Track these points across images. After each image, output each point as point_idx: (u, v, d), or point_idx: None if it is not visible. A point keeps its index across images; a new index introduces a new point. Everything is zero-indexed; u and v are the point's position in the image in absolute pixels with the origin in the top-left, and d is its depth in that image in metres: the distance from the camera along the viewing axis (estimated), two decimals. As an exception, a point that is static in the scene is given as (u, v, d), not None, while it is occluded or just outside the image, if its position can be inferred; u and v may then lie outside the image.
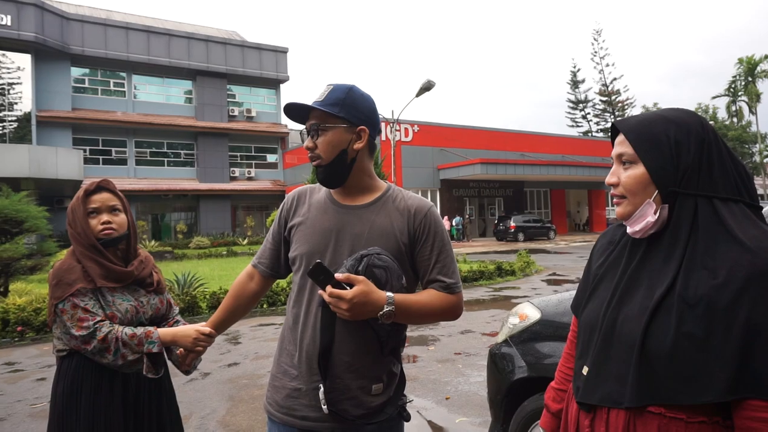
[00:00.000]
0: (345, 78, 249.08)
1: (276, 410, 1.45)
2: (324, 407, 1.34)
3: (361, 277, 1.29)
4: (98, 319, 1.68)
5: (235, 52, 32.13)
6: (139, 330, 1.70)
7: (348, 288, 1.27)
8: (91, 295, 1.73)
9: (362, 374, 1.38)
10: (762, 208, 1.02)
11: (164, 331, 1.72)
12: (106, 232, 1.80)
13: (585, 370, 1.07)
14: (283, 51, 33.91)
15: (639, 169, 1.03)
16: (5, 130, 25.81)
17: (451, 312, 1.46)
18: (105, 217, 1.81)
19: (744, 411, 0.89)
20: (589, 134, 55.02)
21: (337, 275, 1.29)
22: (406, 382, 1.54)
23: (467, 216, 30.64)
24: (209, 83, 31.29)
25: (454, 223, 29.46)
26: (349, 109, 1.42)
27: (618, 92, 54.62)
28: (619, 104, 54.88)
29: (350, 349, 1.37)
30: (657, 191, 1.01)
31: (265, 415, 1.52)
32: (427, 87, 18.17)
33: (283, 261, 1.58)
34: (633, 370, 0.97)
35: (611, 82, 54.69)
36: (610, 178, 1.08)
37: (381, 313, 1.30)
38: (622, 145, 1.06)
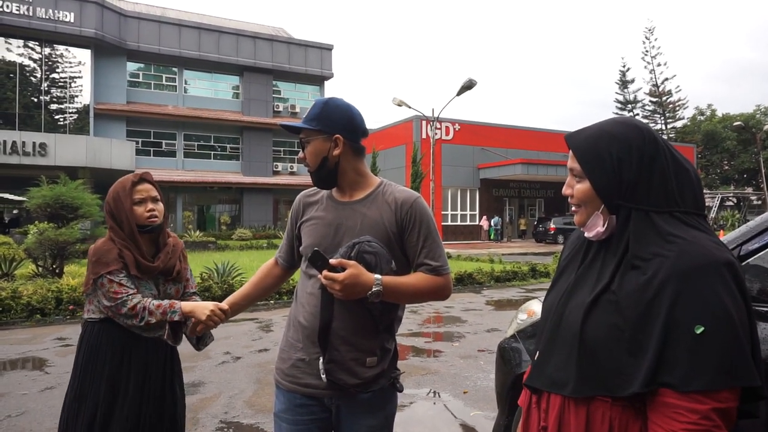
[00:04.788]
0: (387, 76, 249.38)
1: (283, 378, 1.65)
2: (323, 376, 1.53)
3: (351, 262, 1.47)
4: (130, 292, 1.92)
5: (282, 49, 32.81)
6: (165, 302, 1.93)
7: (342, 271, 1.45)
8: (125, 273, 1.97)
9: (357, 348, 1.55)
10: (706, 215, 1.09)
11: (186, 304, 1.94)
12: (152, 219, 2.04)
13: (536, 356, 1.18)
14: (328, 48, 34.39)
15: (586, 184, 1.12)
16: (66, 122, 27.29)
17: (439, 292, 1.63)
18: (150, 205, 2.05)
19: (657, 402, 0.97)
20: (638, 136, 53.16)
21: (331, 260, 1.47)
22: (398, 356, 1.71)
23: (509, 216, 30.31)
24: (256, 79, 32.09)
25: (492, 224, 29.18)
26: (324, 121, 1.61)
27: (669, 93, 52.64)
28: (671, 105, 52.89)
29: (346, 325, 1.55)
30: (603, 204, 1.11)
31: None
32: (468, 86, 18.13)
33: (296, 255, 1.80)
34: (574, 360, 1.06)
35: (662, 83, 52.80)
36: (565, 190, 1.18)
37: (369, 292, 1.47)
38: (572, 160, 1.15)
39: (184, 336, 2.01)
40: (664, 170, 1.06)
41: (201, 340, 2.03)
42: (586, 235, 1.16)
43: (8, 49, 25.84)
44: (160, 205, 2.09)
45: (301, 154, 1.68)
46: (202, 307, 1.90)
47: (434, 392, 4.42)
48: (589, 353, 1.04)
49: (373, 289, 1.47)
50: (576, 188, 1.15)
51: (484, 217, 29.59)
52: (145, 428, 1.99)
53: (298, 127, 1.63)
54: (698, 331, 0.93)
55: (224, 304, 1.89)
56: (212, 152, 31.36)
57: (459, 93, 18.28)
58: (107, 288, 1.92)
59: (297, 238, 1.75)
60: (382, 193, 1.66)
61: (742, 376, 0.92)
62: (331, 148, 1.61)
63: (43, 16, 25.30)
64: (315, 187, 1.77)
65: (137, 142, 27.77)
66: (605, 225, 1.11)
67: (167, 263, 2.09)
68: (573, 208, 1.18)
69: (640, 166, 1.06)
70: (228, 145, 31.78)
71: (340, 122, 1.62)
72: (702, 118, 52.35)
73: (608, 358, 1.01)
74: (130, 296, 1.91)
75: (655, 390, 0.96)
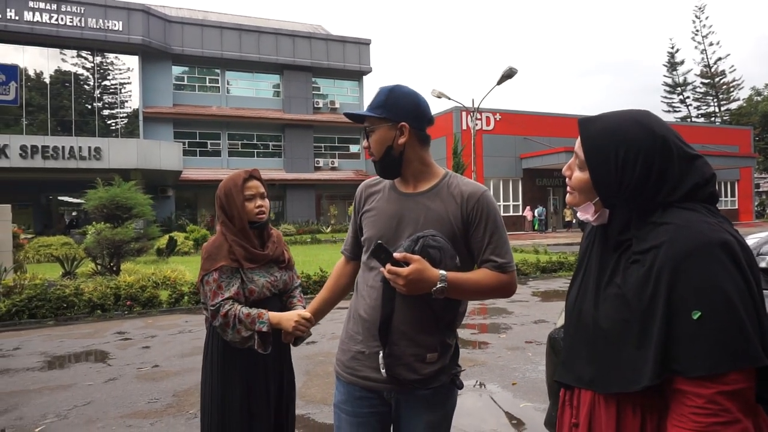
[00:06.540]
0: (426, 67, 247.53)
1: (342, 370, 1.65)
2: (382, 370, 1.52)
3: (416, 256, 1.43)
4: (225, 297, 1.99)
5: (320, 46, 33.11)
6: (253, 311, 1.99)
7: (405, 266, 1.43)
8: (231, 273, 2.03)
9: (417, 343, 1.52)
10: (713, 208, 1.04)
11: (273, 315, 2.00)
12: (260, 215, 2.11)
13: (565, 352, 1.17)
14: (366, 43, 34.45)
15: (586, 175, 1.11)
16: (118, 126, 28.47)
17: (504, 289, 1.57)
18: (259, 201, 2.11)
19: (672, 389, 0.96)
20: (689, 120, 51.05)
21: (395, 254, 1.45)
22: (459, 353, 1.68)
23: (553, 206, 29.66)
24: (295, 77, 32.54)
25: (536, 214, 28.63)
26: (390, 109, 1.57)
27: (723, 73, 50.14)
28: (724, 86, 50.34)
29: (407, 320, 1.52)
30: (598, 197, 1.10)
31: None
32: (509, 74, 17.79)
33: (362, 246, 1.76)
34: (593, 356, 1.06)
35: (715, 63, 50.32)
36: (565, 170, 1.18)
37: (434, 288, 1.44)
38: (579, 148, 1.13)
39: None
40: (666, 175, 1.03)
41: (299, 338, 2.09)
42: (578, 215, 1.16)
43: (63, 60, 27.14)
44: (267, 202, 2.17)
45: (365, 143, 1.64)
46: (288, 318, 1.97)
47: (482, 384, 4.40)
48: (605, 349, 1.04)
49: (438, 286, 1.43)
50: (575, 175, 1.14)
51: (528, 207, 29.05)
52: (277, 421, 2.12)
53: (363, 115, 1.59)
54: (695, 317, 0.92)
55: (307, 313, 1.95)
56: (255, 150, 32.04)
57: (499, 82, 17.97)
58: (209, 287, 2.00)
59: (360, 229, 1.72)
60: (448, 186, 1.61)
61: (745, 357, 0.90)
62: (396, 136, 1.57)
63: (94, 26, 26.42)
64: (378, 177, 1.73)
65: (184, 143, 28.64)
66: (596, 215, 1.11)
67: (275, 251, 2.17)
68: (568, 189, 1.18)
69: (642, 173, 1.03)
70: (270, 143, 32.37)
71: (405, 109, 1.57)
72: (759, 98, 49.58)
73: (622, 353, 1.01)
74: (223, 302, 1.97)
75: (671, 378, 0.95)
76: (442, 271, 1.44)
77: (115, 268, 10.72)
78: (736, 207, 35.06)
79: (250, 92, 32.47)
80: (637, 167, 1.03)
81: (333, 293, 1.88)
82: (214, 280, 2.00)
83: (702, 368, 0.91)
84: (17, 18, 25.10)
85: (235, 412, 2.03)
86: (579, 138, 1.13)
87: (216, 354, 2.07)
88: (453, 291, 1.47)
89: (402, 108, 1.57)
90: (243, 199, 2.07)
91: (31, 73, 26.64)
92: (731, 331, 0.90)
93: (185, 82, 31.00)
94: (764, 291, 1.71)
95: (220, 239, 2.07)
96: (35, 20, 25.45)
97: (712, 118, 51.35)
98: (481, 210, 1.56)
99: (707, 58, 50.78)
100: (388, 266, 1.43)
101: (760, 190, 49.17)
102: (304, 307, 2.11)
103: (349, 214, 29.39)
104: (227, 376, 2.04)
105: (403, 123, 1.57)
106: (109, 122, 28.40)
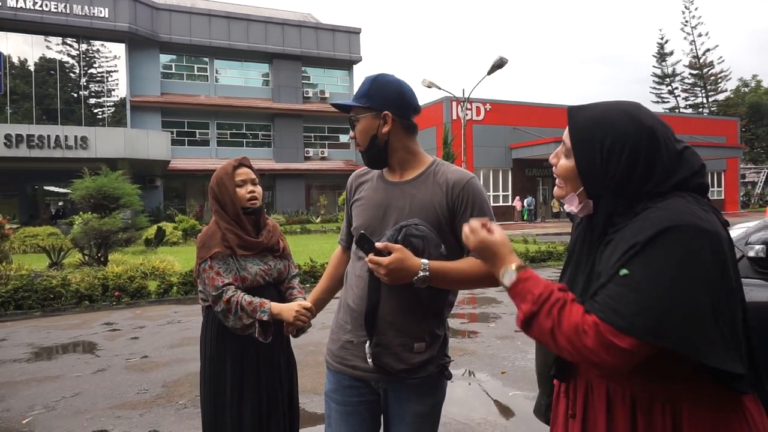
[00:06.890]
0: (417, 57, 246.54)
1: (332, 359, 1.65)
2: (369, 360, 1.52)
3: (397, 246, 1.43)
4: (226, 282, 2.01)
5: (310, 35, 32.83)
6: (255, 299, 2.01)
7: (387, 255, 1.42)
8: (226, 259, 2.06)
9: (404, 333, 1.52)
10: (700, 198, 1.05)
11: (275, 305, 2.02)
12: (252, 201, 2.12)
13: None
14: (356, 32, 34.20)
15: (572, 163, 1.11)
16: (105, 115, 28.10)
17: (492, 279, 1.50)
18: (250, 187, 2.12)
19: None
20: (677, 110, 51.38)
21: (377, 244, 1.44)
22: (448, 343, 1.67)
23: (542, 196, 29.80)
24: (285, 66, 32.26)
25: (525, 204, 28.76)
26: (373, 98, 1.56)
27: (711, 64, 50.45)
28: (712, 77, 50.67)
29: (393, 309, 1.51)
30: (583, 187, 1.10)
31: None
32: (499, 64, 17.77)
33: None
34: None
35: (704, 54, 50.59)
36: (552, 158, 1.18)
37: (415, 278, 1.43)
38: (566, 136, 1.13)
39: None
40: (653, 166, 1.03)
41: (300, 329, 2.09)
42: (564, 207, 1.18)
43: (48, 47, 26.69)
44: (259, 188, 2.17)
45: (351, 134, 1.63)
46: (288, 309, 1.99)
47: (471, 373, 4.44)
48: None
49: (419, 275, 1.42)
50: (561, 163, 1.14)
51: (517, 197, 29.18)
52: (269, 408, 2.12)
53: (348, 105, 1.59)
54: (621, 273, 0.94)
55: (308, 303, 1.95)
56: (244, 140, 31.83)
57: (490, 72, 17.96)
58: (206, 274, 2.03)
59: (351, 218, 1.73)
60: (434, 174, 1.59)
61: (642, 332, 0.91)
62: (380, 125, 1.56)
63: (79, 13, 25.97)
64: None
65: (172, 133, 28.36)
66: (580, 205, 1.12)
67: (270, 240, 2.18)
68: (556, 181, 1.18)
69: (628, 163, 1.03)
70: (259, 133, 32.16)
71: (389, 98, 1.56)
72: (746, 89, 50.04)
73: None
74: (225, 287, 1.99)
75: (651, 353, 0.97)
76: (424, 260, 1.43)
77: (102, 259, 10.62)
78: (723, 197, 35.45)
79: (239, 81, 32.17)
80: (623, 157, 1.03)
81: (332, 281, 1.89)
82: (210, 267, 2.03)
83: (596, 312, 0.95)
84: (0, 4, 24.59)
85: (227, 397, 2.08)
86: (567, 126, 1.13)
87: (211, 341, 2.11)
88: (436, 280, 1.45)
89: (385, 97, 1.56)
90: (234, 185, 2.10)
91: (15, 60, 26.18)
92: (649, 305, 0.91)
93: (173, 71, 30.63)
94: (750, 279, 1.75)
95: (213, 228, 2.10)
96: (18, 6, 24.94)
97: (700, 109, 51.72)
98: (466, 197, 1.54)
99: (696, 49, 51.05)
100: (370, 256, 1.43)
101: (746, 180, 49.75)
102: (305, 298, 2.11)
103: (339, 204, 29.40)
104: (220, 362, 2.09)
105: (386, 112, 1.56)
106: (95, 111, 28.03)
